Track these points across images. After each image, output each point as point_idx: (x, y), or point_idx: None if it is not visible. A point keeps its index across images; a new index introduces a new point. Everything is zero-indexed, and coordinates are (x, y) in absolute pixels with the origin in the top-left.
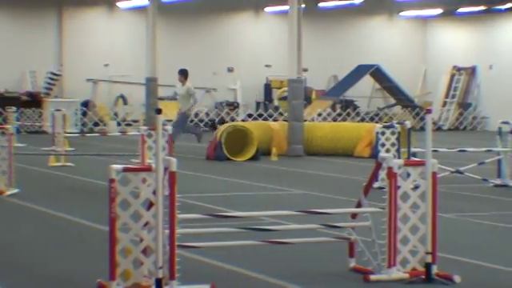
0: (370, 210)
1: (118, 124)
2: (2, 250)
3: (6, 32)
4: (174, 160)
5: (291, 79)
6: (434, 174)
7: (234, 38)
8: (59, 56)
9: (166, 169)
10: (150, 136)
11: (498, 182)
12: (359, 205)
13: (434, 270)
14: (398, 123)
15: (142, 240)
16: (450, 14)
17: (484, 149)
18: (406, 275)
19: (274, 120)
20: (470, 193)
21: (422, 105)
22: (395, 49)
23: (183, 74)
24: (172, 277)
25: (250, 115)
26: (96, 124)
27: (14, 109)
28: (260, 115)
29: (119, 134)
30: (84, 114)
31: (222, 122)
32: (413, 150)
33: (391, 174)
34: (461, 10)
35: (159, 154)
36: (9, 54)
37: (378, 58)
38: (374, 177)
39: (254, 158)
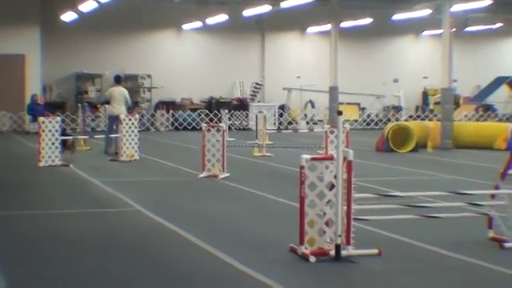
0: (505, 191)
1: (307, 123)
2: (215, 220)
3: (221, 52)
4: (351, 151)
5: (444, 88)
6: None
7: (398, 56)
8: (262, 70)
9: (344, 158)
10: (332, 132)
11: None
12: (497, 187)
13: None
14: None
15: (325, 214)
16: None
17: None
18: None
19: (430, 120)
20: None
21: None
22: None
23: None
24: (348, 243)
25: (410, 116)
26: (290, 123)
27: (226, 111)
28: (418, 116)
29: (307, 131)
30: (280, 115)
31: (388, 121)
32: None
33: None
34: None
35: (339, 146)
36: (223, 69)
37: None
38: (509, 165)
39: (413, 150)
